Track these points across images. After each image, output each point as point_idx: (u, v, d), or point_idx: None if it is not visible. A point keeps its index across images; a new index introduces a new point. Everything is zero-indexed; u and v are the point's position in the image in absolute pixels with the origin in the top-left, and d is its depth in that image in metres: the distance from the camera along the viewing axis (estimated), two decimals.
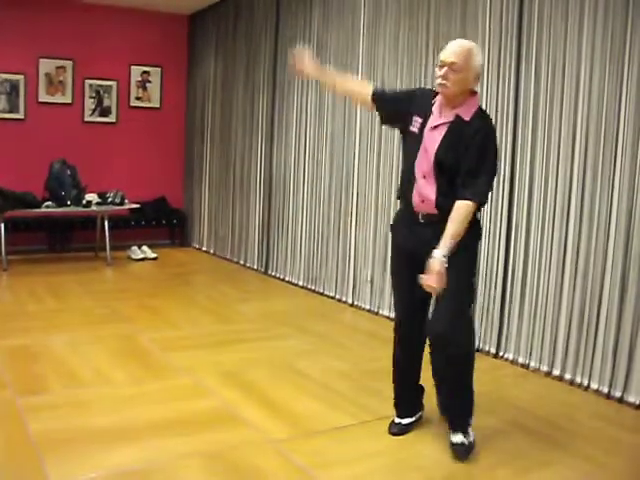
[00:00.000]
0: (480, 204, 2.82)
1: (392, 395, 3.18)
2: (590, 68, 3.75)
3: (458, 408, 2.98)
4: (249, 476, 2.70)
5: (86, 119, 7.89)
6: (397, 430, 3.12)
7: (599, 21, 3.69)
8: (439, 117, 2.86)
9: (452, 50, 2.80)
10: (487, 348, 4.36)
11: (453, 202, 2.76)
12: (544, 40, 4.00)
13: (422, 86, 4.81)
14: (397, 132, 5.11)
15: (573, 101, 3.85)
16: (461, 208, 2.74)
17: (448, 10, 4.64)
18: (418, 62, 4.91)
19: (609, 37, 3.64)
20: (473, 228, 2.84)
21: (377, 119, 5.26)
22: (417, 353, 3.11)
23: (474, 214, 2.81)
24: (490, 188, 2.86)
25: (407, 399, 3.17)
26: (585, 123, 3.79)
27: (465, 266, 2.88)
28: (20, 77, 7.43)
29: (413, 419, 3.17)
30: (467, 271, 2.92)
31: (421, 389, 3.21)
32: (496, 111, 4.28)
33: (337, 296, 5.82)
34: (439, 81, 2.82)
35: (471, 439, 2.94)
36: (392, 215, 5.14)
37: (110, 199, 7.11)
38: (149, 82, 8.25)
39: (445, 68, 2.78)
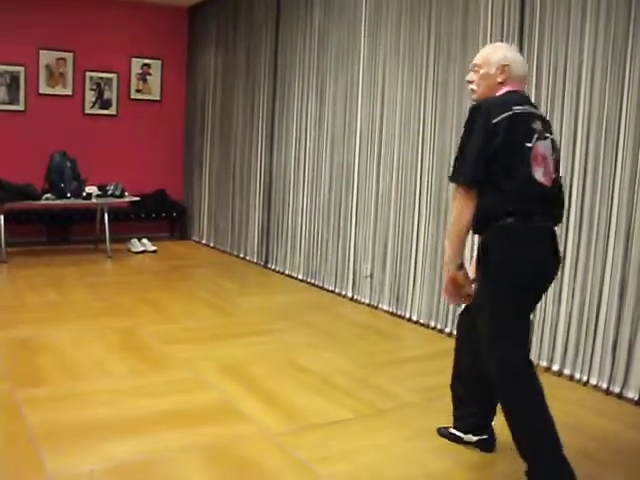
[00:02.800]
0: (453, 182, 2.63)
1: (392, 390, 3.18)
2: (592, 69, 3.74)
3: None
4: (248, 470, 2.71)
5: (86, 111, 7.88)
6: None
7: (601, 22, 3.68)
8: None
9: (478, 54, 2.81)
10: None
11: (478, 211, 2.55)
12: (545, 41, 3.98)
13: (422, 85, 4.81)
14: (397, 126, 5.15)
15: (574, 103, 3.84)
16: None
17: (450, 8, 4.62)
18: (419, 60, 4.90)
19: (611, 39, 3.63)
20: (493, 231, 2.53)
21: (378, 111, 5.31)
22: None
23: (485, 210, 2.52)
24: (460, 165, 2.57)
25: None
26: (586, 125, 3.78)
27: (487, 294, 2.58)
28: (20, 69, 7.41)
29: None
30: (491, 303, 2.57)
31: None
32: None
33: (337, 290, 5.82)
34: (469, 87, 2.81)
35: None
36: (392, 209, 5.17)
37: (110, 192, 7.11)
38: (149, 75, 8.23)
39: (471, 72, 2.79)
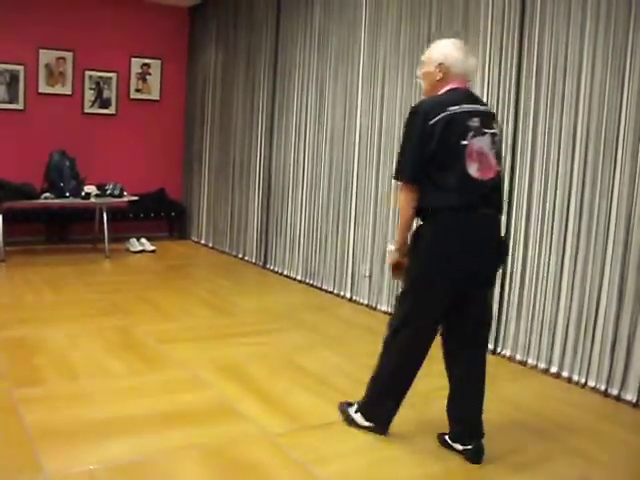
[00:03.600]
0: (396, 180, 2.88)
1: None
2: (592, 68, 3.74)
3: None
4: (246, 470, 2.70)
5: (86, 110, 7.87)
6: None
7: (601, 21, 3.68)
8: None
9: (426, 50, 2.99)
10: None
11: (423, 199, 2.80)
12: (546, 40, 3.99)
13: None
14: (397, 127, 5.14)
15: (574, 101, 3.84)
16: None
17: (450, 6, 4.62)
18: (419, 57, 4.87)
19: (611, 37, 3.63)
20: (425, 222, 2.84)
21: (377, 114, 5.31)
22: None
23: (420, 201, 2.78)
24: (401, 164, 2.82)
25: None
26: (586, 124, 3.79)
27: (409, 268, 2.88)
28: (20, 67, 7.40)
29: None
30: (407, 279, 2.90)
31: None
32: (497, 110, 4.27)
33: (335, 291, 5.82)
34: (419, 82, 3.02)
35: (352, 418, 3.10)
36: (391, 210, 5.16)
37: (109, 191, 7.10)
38: (149, 74, 8.23)
39: (420, 69, 2.99)
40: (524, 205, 4.14)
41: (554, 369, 3.95)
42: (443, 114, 2.72)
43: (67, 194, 6.77)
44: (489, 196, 2.79)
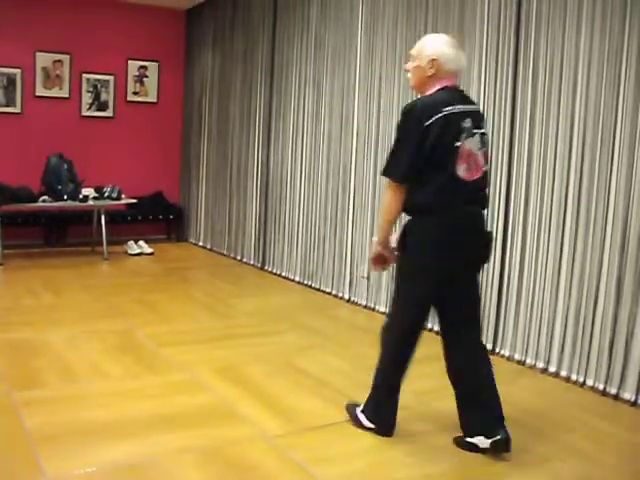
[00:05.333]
0: (385, 176, 2.88)
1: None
2: (587, 67, 3.75)
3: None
4: (245, 472, 2.70)
5: (83, 113, 7.87)
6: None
7: (597, 20, 3.69)
8: None
9: (416, 44, 2.96)
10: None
11: (406, 202, 2.84)
12: (542, 39, 4.00)
13: None
14: (394, 127, 5.13)
15: (570, 100, 3.85)
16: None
17: (446, 7, 4.63)
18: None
19: (607, 36, 3.64)
20: (413, 218, 2.88)
21: (374, 116, 5.31)
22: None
23: (411, 199, 2.81)
24: (393, 162, 2.82)
25: None
26: (582, 122, 3.79)
27: (401, 265, 2.96)
28: (17, 71, 7.41)
29: None
30: (402, 272, 2.97)
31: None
32: (493, 110, 4.29)
33: (333, 292, 5.82)
34: (407, 75, 3.00)
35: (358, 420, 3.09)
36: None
37: (107, 194, 7.10)
38: (146, 77, 8.23)
39: (409, 62, 2.96)
40: (521, 205, 4.15)
41: (552, 368, 3.96)
42: (438, 115, 2.73)
43: (65, 197, 6.77)
44: (473, 195, 2.85)
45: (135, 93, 8.20)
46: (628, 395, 3.56)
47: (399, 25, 5.07)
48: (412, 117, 2.77)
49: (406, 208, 2.85)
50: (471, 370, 2.93)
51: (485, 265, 3.17)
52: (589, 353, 3.76)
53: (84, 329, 4.52)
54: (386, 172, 2.86)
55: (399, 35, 5.06)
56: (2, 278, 6.13)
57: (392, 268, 3.34)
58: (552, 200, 3.97)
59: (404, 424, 3.17)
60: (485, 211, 3.00)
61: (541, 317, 4.04)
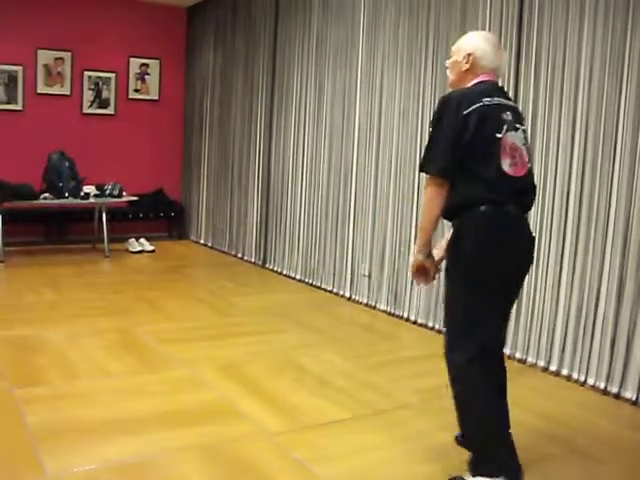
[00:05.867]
0: (423, 171, 2.61)
1: (390, 390, 3.18)
2: (590, 66, 3.75)
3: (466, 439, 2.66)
4: (246, 469, 2.70)
5: (84, 111, 7.87)
6: None
7: (599, 18, 3.68)
8: None
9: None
10: None
11: (452, 200, 2.56)
12: (544, 38, 3.99)
13: (420, 82, 4.82)
14: (395, 126, 5.15)
15: (572, 99, 3.85)
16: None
17: (448, 6, 4.63)
18: (418, 58, 4.90)
19: (609, 35, 3.64)
20: (462, 218, 2.54)
21: (376, 113, 5.31)
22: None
23: (456, 196, 2.53)
24: (430, 155, 2.56)
25: None
26: (584, 121, 3.79)
27: (454, 277, 2.58)
28: (18, 68, 7.41)
29: None
30: (455, 284, 2.58)
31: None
32: None
33: (335, 290, 5.82)
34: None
35: None
36: (390, 208, 5.18)
37: (108, 191, 7.10)
38: (148, 74, 8.23)
39: (449, 59, 2.80)
40: None
41: (553, 367, 3.96)
42: (477, 105, 2.52)
43: (66, 194, 6.77)
44: (522, 194, 2.60)
45: (136, 91, 8.19)
46: (629, 394, 3.56)
47: (401, 25, 5.06)
48: (449, 105, 2.54)
49: (450, 208, 2.55)
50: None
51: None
52: (590, 352, 3.76)
53: (85, 326, 4.52)
54: (424, 167, 2.60)
55: (401, 34, 5.06)
56: (3, 275, 6.13)
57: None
58: (554, 199, 3.97)
59: (405, 422, 3.17)
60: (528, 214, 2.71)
61: (542, 316, 4.04)
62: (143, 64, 8.17)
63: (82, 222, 7.61)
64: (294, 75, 6.35)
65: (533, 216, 4.08)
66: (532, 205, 2.70)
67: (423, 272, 2.66)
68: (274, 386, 3.61)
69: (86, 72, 7.80)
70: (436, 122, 2.58)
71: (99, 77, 7.91)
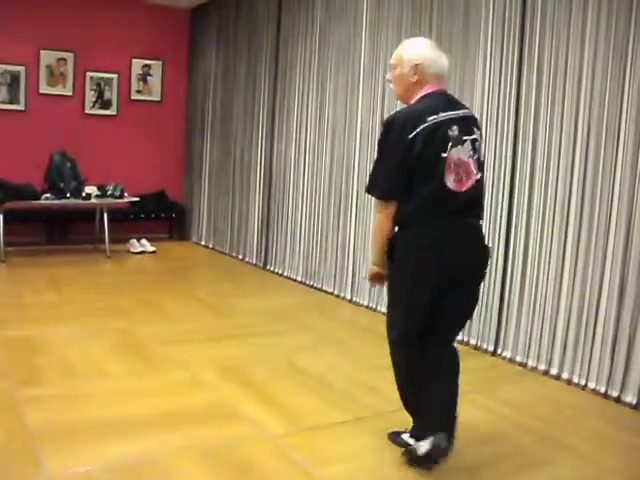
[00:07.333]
0: (369, 194, 2.78)
1: (390, 393, 3.17)
2: (592, 68, 3.75)
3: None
4: (246, 471, 2.70)
5: (87, 111, 7.88)
6: None
7: (602, 21, 3.68)
8: None
9: (394, 52, 2.80)
10: (485, 346, 4.37)
11: (399, 210, 2.67)
12: (546, 40, 3.99)
13: None
14: None
15: (575, 101, 3.85)
16: None
17: (451, 5, 4.63)
18: None
19: (612, 37, 3.64)
20: (401, 229, 2.69)
21: (378, 114, 5.31)
22: None
23: (400, 214, 2.65)
24: (377, 179, 2.68)
25: None
26: (587, 124, 3.79)
27: (391, 272, 2.75)
28: (21, 68, 7.42)
29: None
30: (390, 278, 2.77)
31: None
32: (497, 111, 4.28)
33: (336, 292, 5.82)
34: (390, 86, 2.85)
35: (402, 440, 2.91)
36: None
37: (110, 192, 7.11)
38: (150, 75, 8.24)
39: (390, 72, 2.81)
40: (524, 208, 4.14)
41: (554, 371, 3.96)
42: (422, 126, 2.57)
43: (68, 195, 6.78)
44: (464, 206, 2.66)
45: (139, 91, 8.20)
46: (629, 398, 3.55)
47: (403, 23, 5.06)
48: (394, 130, 2.61)
49: (396, 221, 2.68)
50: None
51: (482, 281, 2.89)
52: (591, 356, 3.76)
53: (86, 327, 4.52)
54: (370, 190, 2.73)
55: (403, 33, 5.04)
56: (4, 275, 6.13)
57: None
58: (555, 200, 3.96)
59: (407, 424, 3.17)
60: (481, 222, 2.81)
61: (543, 319, 4.03)
62: (145, 65, 8.18)
63: (83, 222, 7.61)
64: (296, 75, 6.36)
65: (534, 219, 4.08)
66: (479, 215, 2.79)
67: (379, 278, 2.84)
68: (274, 388, 3.60)
69: (88, 73, 7.81)
70: (382, 146, 2.68)
71: (101, 78, 7.92)
